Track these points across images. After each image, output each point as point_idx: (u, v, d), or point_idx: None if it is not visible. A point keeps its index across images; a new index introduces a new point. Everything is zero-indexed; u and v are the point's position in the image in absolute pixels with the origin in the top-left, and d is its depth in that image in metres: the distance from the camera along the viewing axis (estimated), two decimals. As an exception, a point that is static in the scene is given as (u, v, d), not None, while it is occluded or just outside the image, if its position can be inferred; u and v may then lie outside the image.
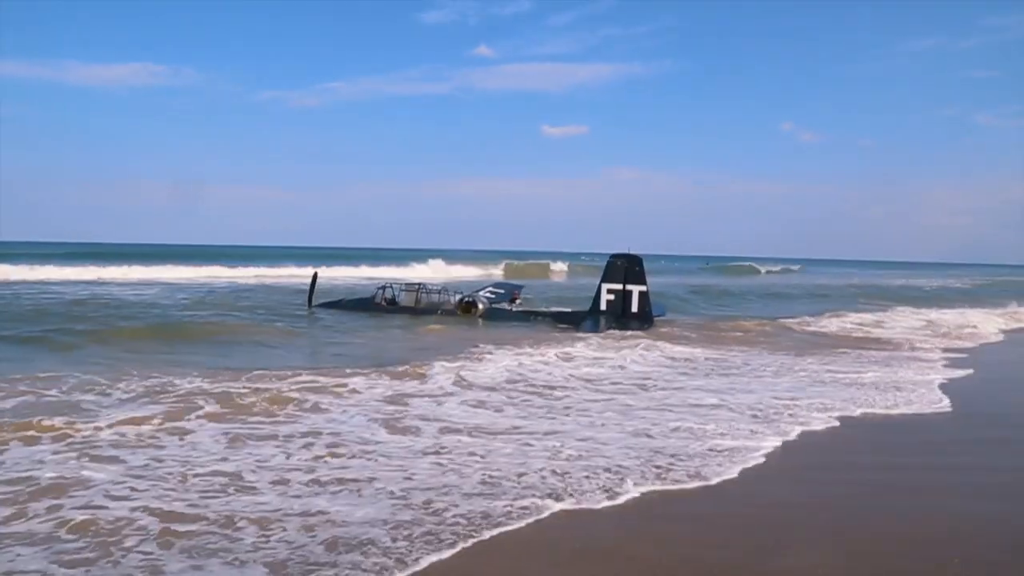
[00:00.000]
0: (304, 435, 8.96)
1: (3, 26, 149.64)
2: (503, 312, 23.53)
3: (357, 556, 5.60)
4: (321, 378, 12.25)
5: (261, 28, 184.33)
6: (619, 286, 22.11)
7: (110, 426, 8.91)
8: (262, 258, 63.46)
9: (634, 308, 21.93)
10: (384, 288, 24.77)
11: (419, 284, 25.15)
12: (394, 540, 5.90)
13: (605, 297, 22.24)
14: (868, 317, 27.84)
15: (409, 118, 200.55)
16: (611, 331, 20.62)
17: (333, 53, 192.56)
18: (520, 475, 7.60)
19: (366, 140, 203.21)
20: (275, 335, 18.83)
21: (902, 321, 26.94)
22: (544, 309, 24.74)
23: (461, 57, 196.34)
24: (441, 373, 13.15)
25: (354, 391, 11.51)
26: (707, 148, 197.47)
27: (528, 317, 23.19)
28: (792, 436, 9.71)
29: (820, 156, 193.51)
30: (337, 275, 45.54)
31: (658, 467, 8.02)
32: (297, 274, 42.77)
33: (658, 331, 21.11)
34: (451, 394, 11.71)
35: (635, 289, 22.02)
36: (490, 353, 15.74)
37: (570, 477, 7.59)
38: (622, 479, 7.57)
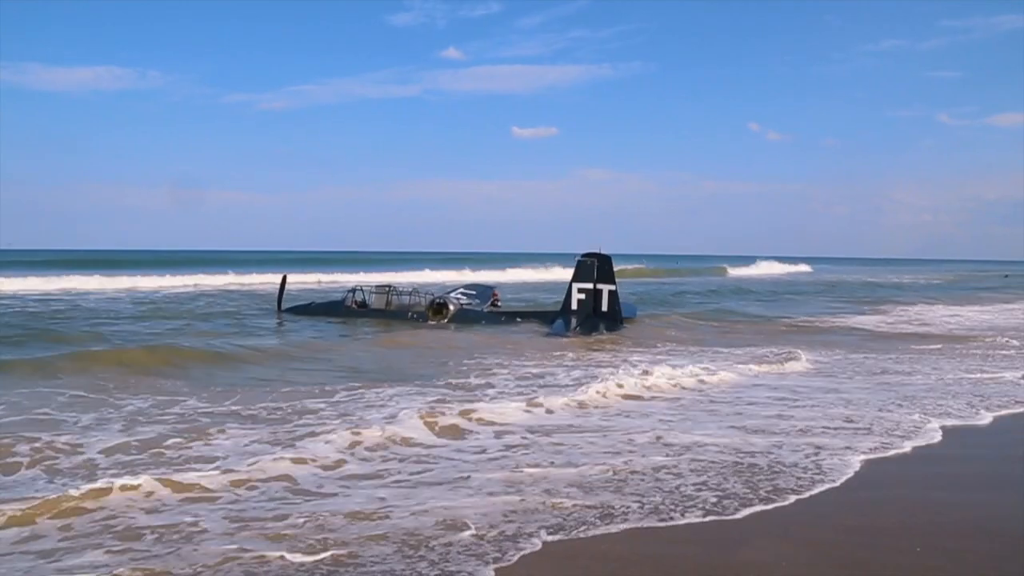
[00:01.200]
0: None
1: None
2: (474, 313, 23.48)
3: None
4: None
5: (228, 30, 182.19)
6: (590, 285, 22.20)
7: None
8: (231, 263, 62.67)
9: (604, 307, 22.04)
10: (354, 291, 24.56)
11: (389, 286, 24.97)
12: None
13: (576, 296, 22.31)
14: (915, 311, 30.66)
15: (379, 120, 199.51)
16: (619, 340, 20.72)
17: (302, 55, 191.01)
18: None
19: (336, 143, 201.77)
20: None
21: (953, 316, 28.97)
22: (515, 309, 24.77)
23: (430, 59, 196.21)
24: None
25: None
26: (676, 148, 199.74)
27: (499, 318, 23.20)
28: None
29: (786, 155, 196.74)
30: (308, 280, 44.99)
31: None
32: (264, 281, 41.15)
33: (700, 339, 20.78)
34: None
35: (605, 288, 22.12)
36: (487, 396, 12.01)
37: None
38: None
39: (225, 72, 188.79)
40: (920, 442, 9.31)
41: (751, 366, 15.29)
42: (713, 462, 8.24)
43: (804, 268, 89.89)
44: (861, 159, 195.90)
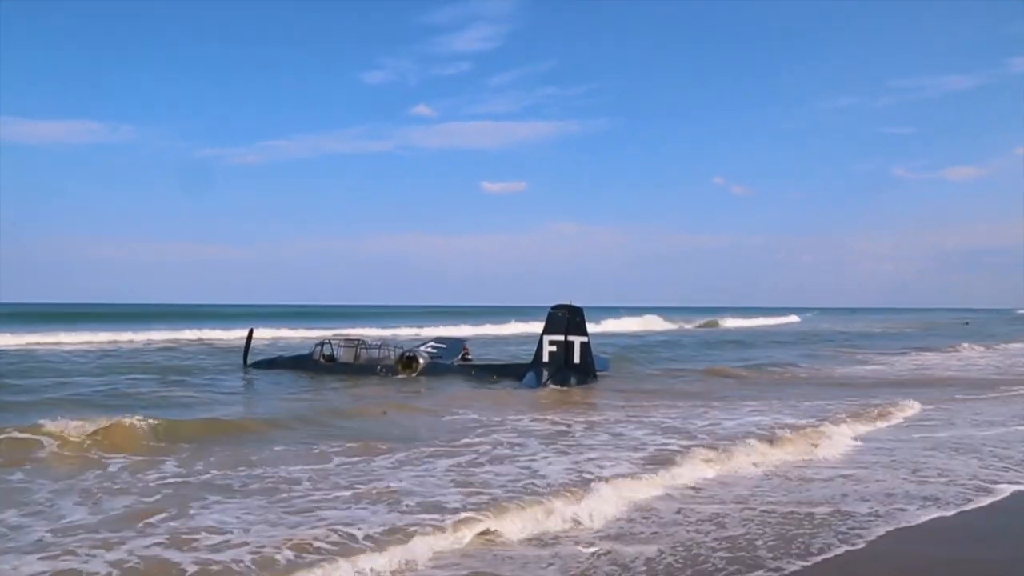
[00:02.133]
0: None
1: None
2: (444, 367, 23.15)
3: None
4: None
5: (201, 85, 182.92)
6: (561, 337, 22.03)
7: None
8: (198, 317, 61.68)
9: (576, 359, 21.85)
10: (322, 345, 24.13)
11: (358, 340, 24.61)
12: None
13: (547, 349, 22.10)
14: (954, 355, 34.50)
15: (352, 175, 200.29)
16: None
17: (274, 111, 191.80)
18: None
19: (308, 197, 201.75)
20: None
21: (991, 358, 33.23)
22: (485, 362, 24.46)
23: (402, 116, 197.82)
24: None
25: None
26: (644, 202, 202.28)
27: (470, 371, 22.87)
28: None
29: (751, 208, 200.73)
30: (282, 335, 44.09)
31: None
32: (233, 336, 39.46)
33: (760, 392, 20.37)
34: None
35: (577, 340, 21.96)
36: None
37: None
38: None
39: (197, 127, 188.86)
40: None
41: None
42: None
43: (793, 319, 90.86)
44: (824, 211, 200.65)
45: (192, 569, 6.40)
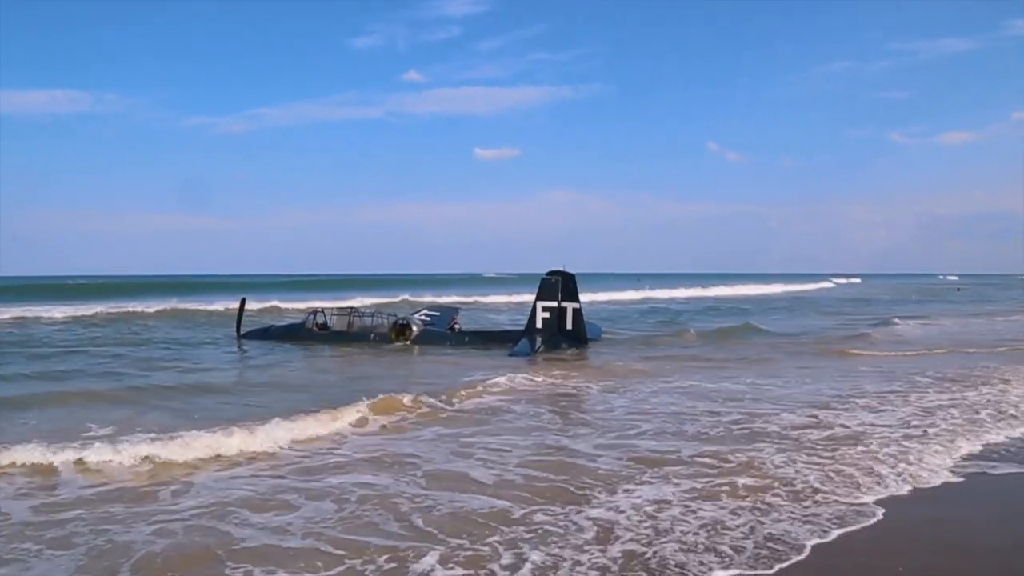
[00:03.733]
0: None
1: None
2: (437, 335, 23.14)
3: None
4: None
5: (187, 53, 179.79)
6: (554, 303, 22.01)
7: None
8: (190, 287, 61.23)
9: (569, 326, 21.86)
10: (315, 313, 24.05)
11: (351, 308, 24.54)
12: None
13: (540, 315, 22.10)
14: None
15: (341, 143, 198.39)
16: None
17: (262, 78, 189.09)
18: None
19: (298, 166, 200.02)
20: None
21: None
22: (477, 329, 24.46)
23: (392, 82, 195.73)
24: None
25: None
26: (638, 168, 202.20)
27: (463, 339, 22.88)
28: None
29: (746, 175, 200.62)
30: (273, 306, 43.64)
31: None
32: (225, 306, 39.26)
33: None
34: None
35: (569, 306, 21.96)
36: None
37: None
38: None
39: (184, 95, 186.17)
40: None
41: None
42: None
43: (826, 284, 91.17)
44: (818, 178, 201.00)
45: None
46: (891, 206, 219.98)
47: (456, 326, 24.48)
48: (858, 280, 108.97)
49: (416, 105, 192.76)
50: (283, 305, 37.72)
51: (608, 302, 48.77)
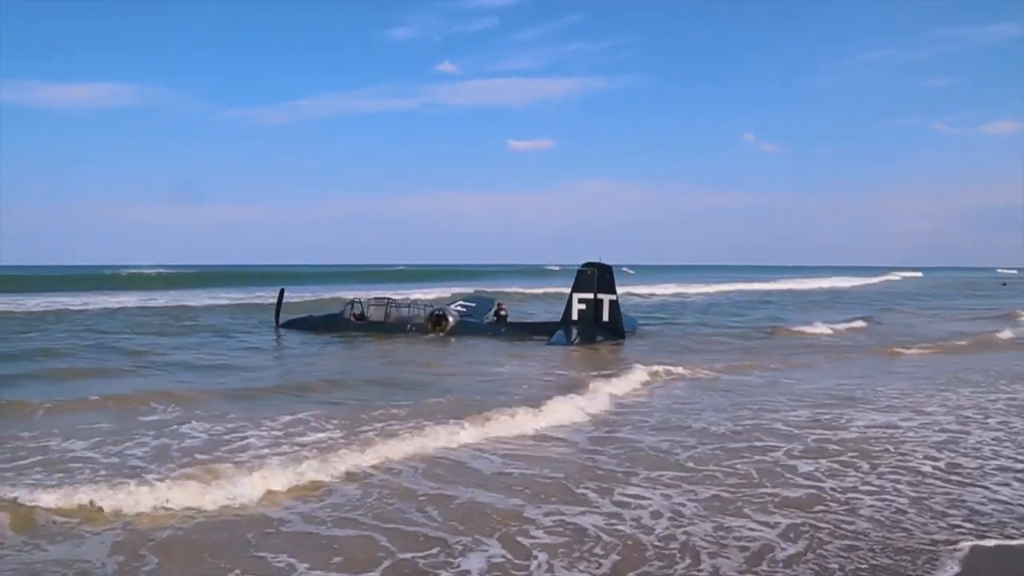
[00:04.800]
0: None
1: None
2: (473, 325, 23.21)
3: None
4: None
5: (228, 46, 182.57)
6: (590, 295, 21.94)
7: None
8: (229, 278, 62.37)
9: (605, 317, 21.78)
10: (352, 303, 24.31)
11: (388, 299, 24.73)
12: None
13: (576, 307, 22.05)
14: None
15: (377, 134, 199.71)
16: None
17: (300, 70, 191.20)
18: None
19: (334, 157, 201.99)
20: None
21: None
22: (514, 320, 24.46)
23: (426, 73, 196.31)
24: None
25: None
26: (672, 159, 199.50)
27: (500, 330, 22.91)
28: None
29: (782, 166, 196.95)
30: (310, 297, 43.99)
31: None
32: (263, 296, 39.43)
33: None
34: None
35: (606, 298, 21.87)
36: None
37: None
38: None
39: (224, 88, 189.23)
40: None
41: None
42: None
43: (894, 277, 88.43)
44: (857, 169, 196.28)
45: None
46: (933, 197, 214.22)
47: (503, 313, 24.43)
48: (919, 274, 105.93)
49: (451, 96, 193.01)
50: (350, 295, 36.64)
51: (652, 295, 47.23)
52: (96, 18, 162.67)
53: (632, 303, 35.43)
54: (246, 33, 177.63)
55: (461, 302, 26.71)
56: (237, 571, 5.88)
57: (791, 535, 6.57)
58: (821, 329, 24.66)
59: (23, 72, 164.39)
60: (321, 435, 9.91)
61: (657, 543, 6.40)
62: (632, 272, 74.08)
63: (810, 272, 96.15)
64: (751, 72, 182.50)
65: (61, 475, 8.01)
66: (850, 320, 27.70)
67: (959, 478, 8.25)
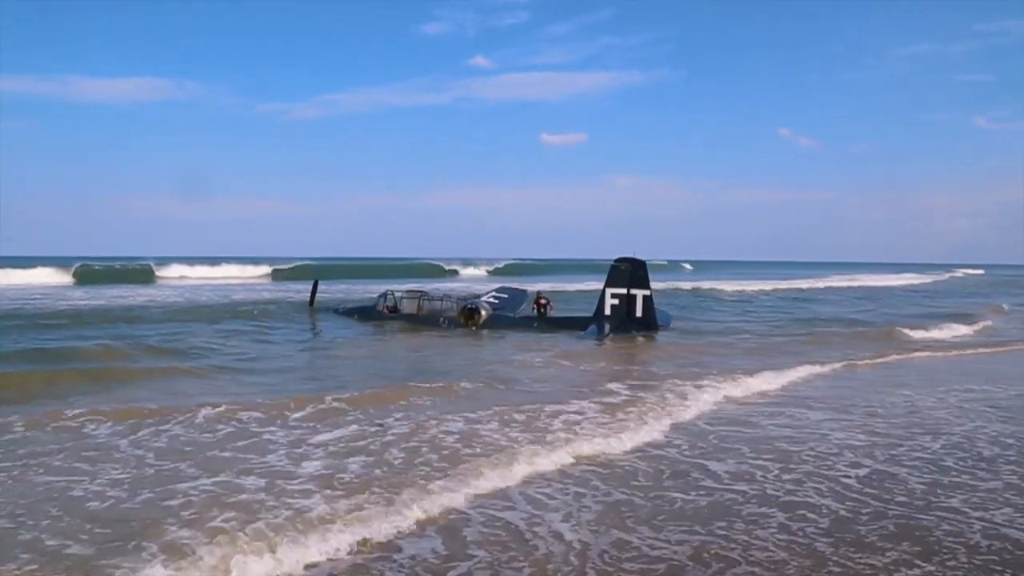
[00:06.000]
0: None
1: (5, 42, 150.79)
2: (506, 319, 23.19)
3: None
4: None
5: (262, 41, 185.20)
6: (623, 290, 21.78)
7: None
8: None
9: (639, 313, 21.60)
10: (385, 295, 24.46)
11: (420, 291, 24.81)
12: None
13: (609, 302, 21.90)
14: None
15: (410, 128, 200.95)
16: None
17: (333, 65, 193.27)
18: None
19: (367, 151, 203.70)
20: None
21: None
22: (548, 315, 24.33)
23: (460, 67, 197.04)
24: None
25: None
26: (706, 154, 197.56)
27: (532, 324, 22.82)
28: None
29: (819, 161, 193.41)
30: (343, 289, 44.34)
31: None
32: (296, 289, 40.12)
33: None
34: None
35: (639, 293, 21.69)
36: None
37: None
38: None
39: (258, 82, 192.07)
40: None
41: None
42: None
43: (958, 273, 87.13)
44: (895, 164, 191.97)
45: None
46: (975, 194, 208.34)
47: (543, 303, 23.77)
48: (981, 271, 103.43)
49: (483, 90, 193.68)
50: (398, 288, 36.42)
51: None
52: (131, 10, 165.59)
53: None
54: (279, 29, 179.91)
55: (492, 294, 26.67)
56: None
57: None
58: (953, 331, 23.95)
59: (64, 67, 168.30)
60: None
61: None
62: (691, 268, 73.67)
63: (856, 268, 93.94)
64: (787, 67, 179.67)
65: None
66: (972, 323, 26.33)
67: None
